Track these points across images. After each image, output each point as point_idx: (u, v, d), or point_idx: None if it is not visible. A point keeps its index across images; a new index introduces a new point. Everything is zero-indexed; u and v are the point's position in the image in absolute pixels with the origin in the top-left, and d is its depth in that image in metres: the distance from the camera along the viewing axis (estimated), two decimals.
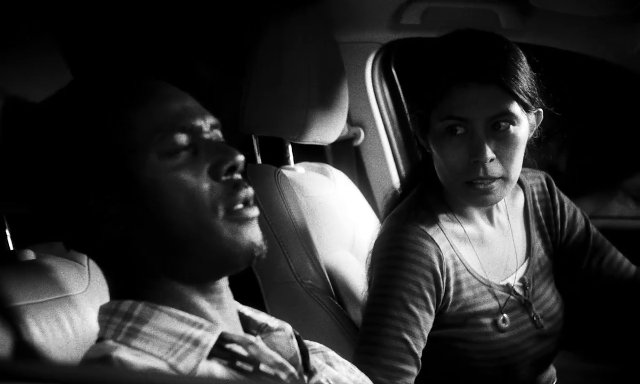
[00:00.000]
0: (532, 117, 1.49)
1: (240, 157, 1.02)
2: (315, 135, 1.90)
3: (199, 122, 1.03)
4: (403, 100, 2.32)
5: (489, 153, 1.42)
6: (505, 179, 1.45)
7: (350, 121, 2.26)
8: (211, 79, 2.19)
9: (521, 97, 1.43)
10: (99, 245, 1.03)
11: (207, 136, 1.04)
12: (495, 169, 1.43)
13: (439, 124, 1.45)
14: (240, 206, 1.01)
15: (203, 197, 0.99)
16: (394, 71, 2.31)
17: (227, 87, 2.04)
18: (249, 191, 1.03)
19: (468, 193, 1.46)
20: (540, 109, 1.50)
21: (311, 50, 1.86)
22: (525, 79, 1.44)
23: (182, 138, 1.01)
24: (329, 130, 1.93)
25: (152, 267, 1.02)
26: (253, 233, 1.02)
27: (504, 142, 1.43)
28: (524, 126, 1.46)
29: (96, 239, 1.02)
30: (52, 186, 1.02)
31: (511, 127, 1.43)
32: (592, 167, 3.27)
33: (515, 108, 1.43)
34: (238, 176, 1.03)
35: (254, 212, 1.03)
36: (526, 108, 1.45)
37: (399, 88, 2.31)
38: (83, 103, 1.02)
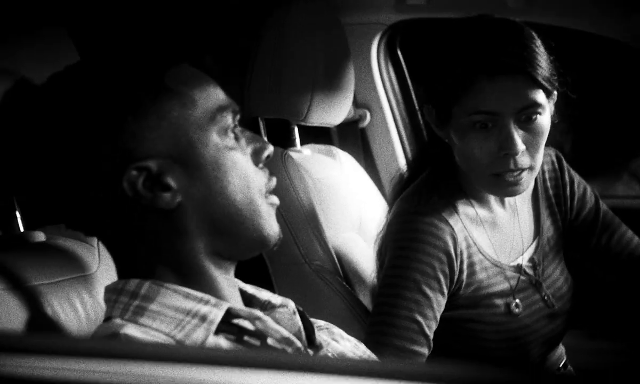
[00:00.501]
0: (552, 101, 1.48)
1: (272, 148, 1.09)
2: (321, 117, 1.91)
3: (237, 110, 1.08)
4: (409, 81, 2.31)
5: (520, 145, 1.41)
6: (532, 168, 1.45)
7: (355, 103, 2.26)
8: (218, 70, 2.20)
9: (545, 84, 1.42)
10: (132, 227, 1.03)
11: (237, 122, 1.09)
12: (524, 160, 1.43)
13: (465, 118, 1.43)
14: (273, 192, 1.08)
15: (251, 177, 1.05)
16: (399, 52, 2.30)
17: (233, 77, 2.05)
18: (275, 181, 1.09)
19: (496, 184, 1.46)
20: (556, 92, 1.49)
21: (316, 32, 1.86)
22: (546, 65, 1.43)
23: (230, 120, 1.06)
24: (334, 112, 1.94)
25: (190, 244, 1.03)
26: (276, 220, 1.09)
27: (532, 133, 1.43)
28: (548, 113, 1.46)
29: (132, 222, 1.02)
30: (90, 167, 1.01)
31: (538, 117, 1.43)
32: (598, 149, 3.27)
33: (541, 97, 1.42)
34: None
35: (278, 201, 1.10)
36: (548, 94, 1.45)
37: (405, 69, 2.31)
38: (134, 79, 1.04)
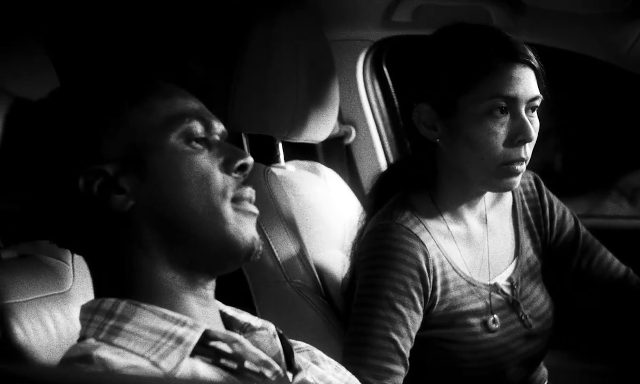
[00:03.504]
0: None
1: (250, 159, 1.07)
2: (306, 133, 1.89)
3: (214, 122, 1.08)
4: (395, 98, 2.31)
5: (534, 132, 1.44)
6: (526, 163, 1.48)
7: (341, 119, 2.25)
8: (202, 78, 2.19)
9: (543, 81, 1.48)
10: (95, 235, 1.03)
11: (217, 137, 1.08)
12: (529, 151, 1.47)
13: (480, 105, 1.44)
14: (247, 200, 1.06)
15: (215, 181, 1.03)
16: (385, 69, 2.30)
17: (217, 87, 2.03)
18: (253, 192, 1.07)
19: (502, 175, 1.46)
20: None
21: (300, 48, 1.85)
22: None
23: (199, 128, 1.05)
24: (319, 128, 1.92)
25: (150, 253, 1.02)
26: (254, 229, 1.06)
27: (534, 126, 1.46)
28: None
29: (93, 228, 1.02)
30: (53, 172, 1.02)
31: (536, 111, 1.48)
32: (587, 167, 3.28)
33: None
34: (245, 176, 1.07)
35: (256, 210, 1.07)
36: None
37: (391, 86, 2.31)
38: (103, 90, 1.06)
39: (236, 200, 1.05)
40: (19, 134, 1.07)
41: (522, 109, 1.44)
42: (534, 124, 1.46)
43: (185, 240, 1.03)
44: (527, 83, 1.44)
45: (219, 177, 1.04)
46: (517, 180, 1.47)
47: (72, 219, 1.03)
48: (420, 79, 1.53)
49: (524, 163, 1.47)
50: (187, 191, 1.02)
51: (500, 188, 1.50)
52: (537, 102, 1.46)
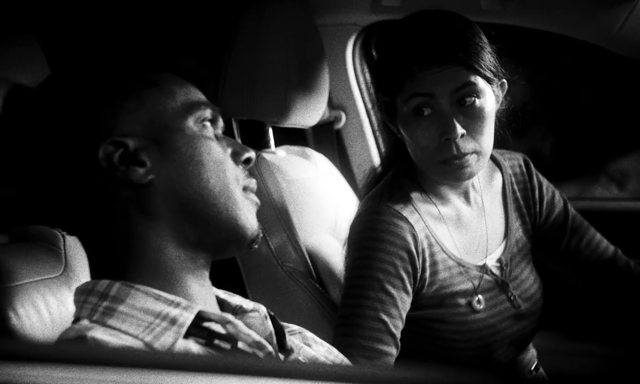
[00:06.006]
0: (497, 88, 1.50)
1: (254, 154, 1.12)
2: (296, 118, 1.89)
3: (219, 116, 1.13)
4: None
5: (459, 129, 1.42)
6: (478, 153, 1.46)
7: (331, 104, 2.25)
8: (192, 71, 2.18)
9: (482, 70, 1.44)
10: (106, 207, 1.04)
11: (220, 131, 1.13)
12: (467, 144, 1.44)
13: (405, 107, 1.45)
14: (253, 190, 1.11)
15: (229, 168, 1.08)
16: (374, 54, 2.30)
17: (208, 78, 2.03)
18: (255, 183, 1.12)
19: (444, 171, 1.46)
20: (504, 80, 1.52)
21: (290, 33, 1.85)
22: (485, 53, 1.45)
23: (209, 115, 1.09)
24: (309, 113, 1.92)
25: (159, 228, 1.04)
26: (257, 218, 1.10)
27: (471, 116, 1.44)
28: (490, 98, 1.47)
29: (105, 200, 1.03)
30: (69, 144, 1.04)
31: (477, 100, 1.44)
32: (576, 152, 3.29)
33: (479, 81, 1.44)
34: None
35: (259, 202, 1.12)
36: (489, 80, 1.46)
37: None
38: (124, 68, 1.10)
39: (245, 189, 1.09)
40: (27, 110, 1.08)
41: (446, 105, 1.42)
42: (471, 115, 1.43)
43: (197, 219, 1.05)
44: (448, 78, 1.42)
45: (232, 165, 1.09)
46: (467, 170, 1.45)
47: (85, 192, 1.04)
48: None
49: (466, 156, 1.43)
50: (206, 172, 1.05)
51: (451, 180, 1.50)
52: (467, 91, 1.42)
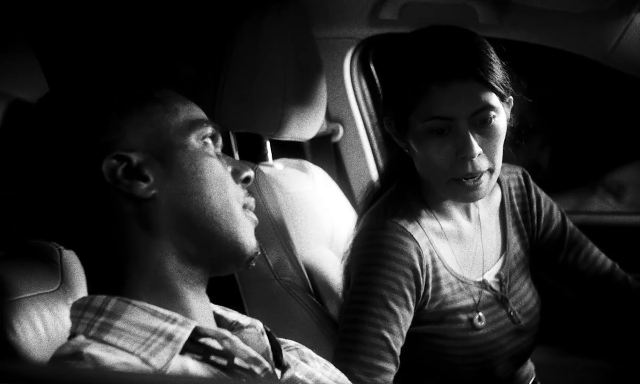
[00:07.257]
0: (506, 105, 1.50)
1: (252, 173, 1.14)
2: (293, 131, 1.89)
3: (219, 135, 1.14)
4: (381, 95, 2.31)
5: (477, 148, 1.42)
6: (491, 171, 1.46)
7: (328, 117, 2.25)
8: (190, 79, 2.18)
9: (498, 88, 1.43)
10: (106, 221, 1.03)
11: (219, 149, 1.14)
12: (482, 163, 1.44)
13: (421, 125, 1.44)
14: (252, 209, 1.12)
15: (230, 186, 1.09)
16: (372, 67, 2.30)
17: (205, 86, 2.03)
18: (254, 202, 1.13)
19: (456, 190, 1.46)
20: (511, 97, 1.51)
21: (288, 46, 1.85)
22: (498, 69, 1.45)
23: (211, 132, 1.11)
24: (307, 126, 1.93)
25: (160, 243, 1.04)
26: (255, 237, 1.11)
27: (488, 135, 1.44)
28: (503, 115, 1.47)
29: (106, 214, 1.03)
30: (72, 157, 1.04)
31: (493, 120, 1.44)
32: (574, 164, 3.29)
33: (494, 100, 1.44)
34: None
35: (257, 220, 1.13)
36: (502, 98, 1.46)
37: (378, 84, 2.31)
38: (127, 82, 1.11)
39: (245, 207, 1.10)
40: (29, 124, 1.08)
41: (464, 126, 1.42)
42: (488, 134, 1.43)
43: (198, 234, 1.05)
44: (467, 99, 1.41)
45: (232, 183, 1.10)
46: (479, 192, 1.45)
47: (87, 206, 1.03)
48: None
49: (481, 176, 1.44)
50: (209, 189, 1.06)
51: (462, 200, 1.50)
52: (486, 113, 1.42)
